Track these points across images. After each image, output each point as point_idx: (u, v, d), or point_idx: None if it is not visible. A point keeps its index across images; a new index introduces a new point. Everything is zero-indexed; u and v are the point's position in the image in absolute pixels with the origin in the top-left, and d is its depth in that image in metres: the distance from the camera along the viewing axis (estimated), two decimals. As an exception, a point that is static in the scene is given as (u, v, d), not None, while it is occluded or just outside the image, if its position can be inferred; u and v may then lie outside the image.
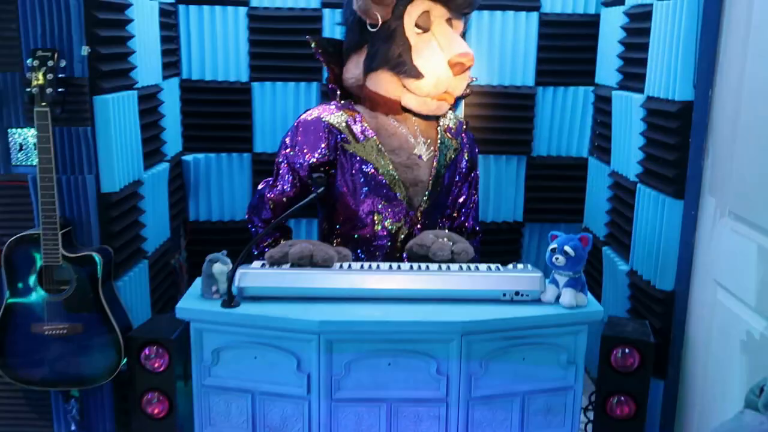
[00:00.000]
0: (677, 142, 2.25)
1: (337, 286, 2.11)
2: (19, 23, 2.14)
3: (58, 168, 2.19)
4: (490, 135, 3.10)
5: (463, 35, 2.65)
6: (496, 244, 3.21)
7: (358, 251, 2.56)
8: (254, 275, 2.12)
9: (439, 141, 2.62)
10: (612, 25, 2.83)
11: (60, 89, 2.11)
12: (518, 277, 2.13)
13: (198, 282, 2.19)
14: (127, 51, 2.45)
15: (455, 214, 2.75)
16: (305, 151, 2.50)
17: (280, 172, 2.56)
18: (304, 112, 2.60)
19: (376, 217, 2.53)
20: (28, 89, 2.07)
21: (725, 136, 2.10)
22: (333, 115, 2.53)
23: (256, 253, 2.53)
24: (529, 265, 2.23)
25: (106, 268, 2.20)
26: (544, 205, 3.25)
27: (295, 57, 3.02)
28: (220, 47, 3.04)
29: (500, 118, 3.13)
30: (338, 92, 2.63)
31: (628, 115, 2.61)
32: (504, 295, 2.10)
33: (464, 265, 2.23)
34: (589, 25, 3.05)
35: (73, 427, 2.35)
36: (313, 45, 2.60)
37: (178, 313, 2.08)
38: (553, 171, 3.21)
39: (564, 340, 2.08)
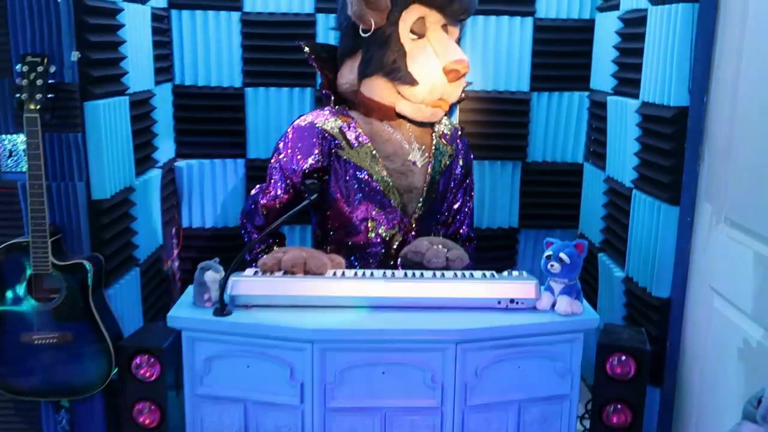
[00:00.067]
0: (672, 148, 2.24)
1: (331, 293, 2.09)
2: (8, 28, 2.11)
3: (47, 174, 2.15)
4: (484, 141, 3.09)
5: (459, 41, 2.64)
6: (492, 251, 3.19)
7: (352, 258, 2.54)
8: (246, 283, 2.10)
9: (433, 147, 2.60)
10: (607, 31, 2.83)
11: (50, 95, 2.08)
12: (513, 284, 2.11)
13: (190, 290, 2.17)
14: (118, 56, 2.43)
15: (450, 221, 2.74)
16: (299, 157, 2.48)
17: (274, 178, 2.54)
18: (298, 118, 2.59)
19: (370, 224, 2.51)
20: (18, 95, 2.04)
21: (721, 142, 2.09)
22: (327, 121, 2.52)
23: (249, 259, 2.51)
24: (524, 272, 2.22)
25: (97, 276, 2.17)
26: (539, 211, 3.23)
27: (289, 62, 3.00)
28: (213, 52, 3.02)
29: (495, 123, 3.11)
30: (332, 98, 2.62)
31: (623, 121, 2.60)
32: (499, 302, 2.08)
33: (459, 273, 2.22)
34: (584, 30, 3.04)
35: (63, 438, 2.33)
36: (306, 50, 2.59)
37: (170, 321, 2.06)
38: (548, 177, 3.19)
39: (559, 348, 2.06)
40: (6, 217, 2.24)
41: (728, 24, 2.07)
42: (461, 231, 2.75)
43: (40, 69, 2.05)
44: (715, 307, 2.09)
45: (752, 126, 1.92)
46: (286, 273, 2.16)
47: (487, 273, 2.20)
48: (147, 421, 2.14)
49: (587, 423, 2.30)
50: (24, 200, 2.15)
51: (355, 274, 2.19)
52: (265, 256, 2.22)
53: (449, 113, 2.77)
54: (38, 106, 2.04)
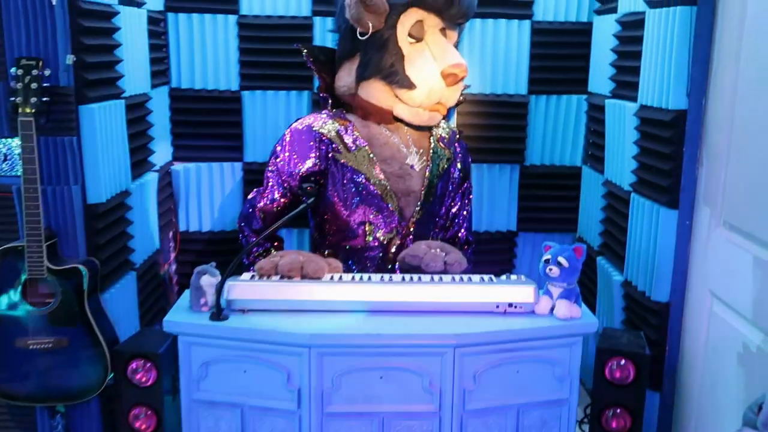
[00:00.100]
0: (671, 152, 2.23)
1: (328, 298, 2.08)
2: (3, 31, 2.10)
3: (42, 179, 2.14)
4: (482, 144, 3.07)
5: (457, 45, 2.63)
6: (490, 254, 3.18)
7: (350, 262, 2.53)
8: (243, 287, 2.09)
9: (431, 151, 2.59)
10: (604, 34, 2.82)
11: (45, 98, 2.07)
12: (512, 288, 2.10)
13: (187, 294, 2.16)
14: (114, 59, 2.41)
15: (448, 225, 2.73)
16: (296, 160, 2.47)
17: (271, 181, 2.53)
18: (295, 121, 2.57)
19: (367, 228, 2.50)
20: (12, 98, 2.03)
21: (719, 145, 2.08)
22: (324, 124, 2.51)
23: (246, 263, 2.50)
24: (522, 276, 2.21)
25: (92, 281, 2.16)
26: (537, 214, 3.22)
27: (286, 65, 2.99)
28: (209, 55, 3.00)
29: (493, 126, 3.10)
30: (329, 101, 2.61)
31: (622, 124, 2.59)
32: (497, 307, 2.07)
33: (457, 277, 2.21)
34: (582, 33, 3.03)
35: (58, 443, 2.31)
36: (304, 53, 2.58)
37: (166, 326, 2.04)
38: (546, 180, 3.18)
39: (558, 352, 2.05)
40: (1, 222, 2.23)
41: (726, 27, 2.06)
42: (459, 234, 2.74)
43: (35, 72, 2.04)
44: (714, 311, 2.09)
45: (751, 129, 1.91)
46: (283, 277, 2.14)
47: (486, 277, 2.19)
48: (143, 427, 2.13)
49: (586, 428, 2.29)
50: (19, 204, 2.14)
51: (353, 278, 2.18)
52: (262, 260, 2.21)
53: (447, 117, 2.76)
54: (33, 110, 2.03)
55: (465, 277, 2.20)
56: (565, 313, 2.05)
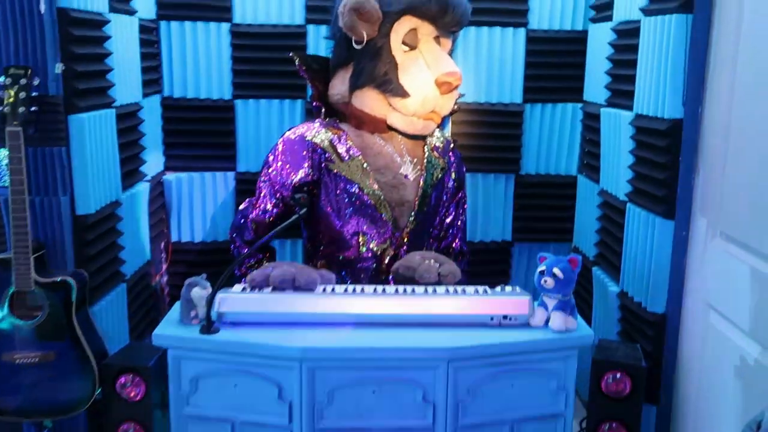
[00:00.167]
0: (667, 161, 2.21)
1: (320, 310, 2.06)
2: (-9, 40, 2.08)
3: (31, 189, 2.11)
4: (477, 153, 3.05)
5: (451, 53, 2.61)
6: (485, 265, 3.15)
7: (343, 273, 2.50)
8: (234, 300, 2.06)
9: (425, 160, 2.57)
10: (600, 41, 2.80)
11: (33, 108, 2.04)
12: (506, 300, 2.08)
13: (177, 307, 2.13)
14: (104, 68, 2.39)
15: (442, 235, 2.70)
16: (288, 170, 2.45)
17: (263, 192, 2.50)
18: (288, 131, 2.55)
19: (360, 239, 2.47)
20: (0, 108, 2.00)
21: (716, 155, 2.06)
22: (317, 133, 2.48)
23: (238, 274, 2.47)
24: (517, 288, 2.18)
25: (81, 294, 2.12)
26: (533, 224, 3.19)
27: (279, 74, 2.96)
28: (202, 64, 2.98)
29: (488, 135, 3.08)
30: (323, 110, 2.58)
31: (617, 133, 2.57)
32: (492, 319, 2.05)
33: (451, 288, 2.18)
34: (577, 41, 3.02)
35: (46, 459, 2.27)
36: (297, 61, 2.55)
37: (155, 339, 2.01)
38: (542, 189, 3.16)
39: (554, 365, 2.03)
40: (-12, 233, 2.20)
41: (722, 35, 2.04)
42: (454, 245, 2.71)
43: (23, 81, 2.02)
44: (711, 323, 2.06)
45: (748, 138, 1.89)
46: (275, 289, 2.12)
47: (480, 288, 2.16)
48: (132, 442, 2.09)
49: (582, 441, 2.26)
50: (6, 215, 2.10)
51: (346, 290, 2.15)
52: (254, 272, 2.18)
53: (442, 126, 2.73)
54: (21, 120, 2.00)
55: (459, 288, 2.17)
56: (561, 325, 2.02)
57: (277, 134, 2.79)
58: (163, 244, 3.07)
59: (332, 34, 2.59)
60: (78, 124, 2.18)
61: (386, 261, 2.49)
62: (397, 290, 2.14)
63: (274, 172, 2.47)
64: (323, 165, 2.44)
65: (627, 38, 2.52)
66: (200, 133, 3.03)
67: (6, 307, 2.07)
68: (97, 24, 2.33)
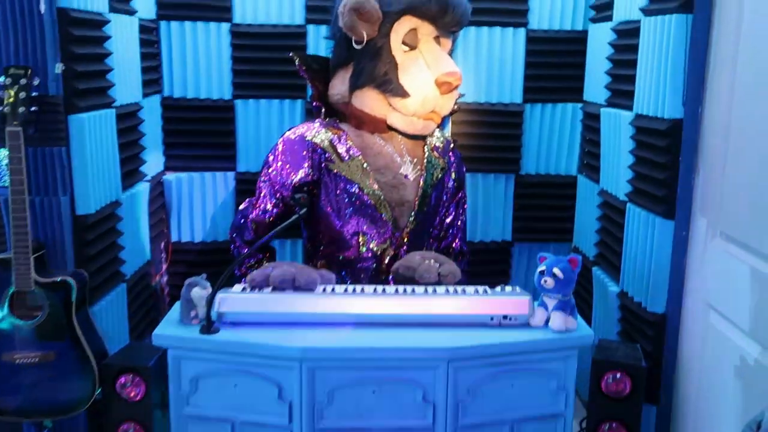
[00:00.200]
0: (667, 161, 2.20)
1: (320, 310, 2.06)
2: (-9, 40, 2.08)
3: (31, 189, 2.11)
4: (477, 153, 3.05)
5: (451, 53, 2.61)
6: (485, 265, 3.15)
7: (343, 273, 2.50)
8: (234, 300, 2.06)
9: (425, 160, 2.57)
10: (600, 41, 2.80)
11: (33, 108, 2.04)
12: (506, 300, 2.08)
13: (177, 307, 2.13)
14: (104, 68, 2.39)
15: (442, 235, 2.70)
16: (288, 170, 2.45)
17: (263, 192, 2.50)
18: (288, 130, 2.55)
19: (360, 239, 2.47)
20: (0, 108, 2.00)
21: (716, 155, 2.06)
22: (317, 133, 2.48)
23: (238, 274, 2.47)
24: (517, 288, 2.18)
25: (81, 294, 2.12)
26: (533, 224, 3.19)
27: (279, 74, 2.96)
28: (202, 64, 2.98)
29: (488, 135, 3.08)
30: (323, 110, 2.58)
31: (617, 133, 2.57)
32: (492, 319, 2.05)
33: (451, 288, 2.18)
34: (577, 41, 3.01)
35: (46, 459, 2.27)
36: (297, 61, 2.55)
37: (155, 339, 2.01)
38: (542, 189, 3.16)
39: (554, 365, 2.03)
40: (-12, 233, 2.19)
41: (722, 35, 2.04)
42: (454, 245, 2.71)
43: (23, 81, 2.02)
44: (711, 323, 2.06)
45: (748, 138, 1.89)
46: (275, 289, 2.11)
47: (480, 288, 2.16)
48: (132, 442, 2.09)
49: (582, 441, 2.26)
50: (6, 215, 2.10)
51: (345, 290, 2.15)
52: (254, 272, 2.18)
53: (442, 126, 2.73)
54: (21, 120, 2.00)
55: (459, 288, 2.17)
56: (561, 325, 2.02)
57: (277, 134, 2.79)
58: (163, 244, 3.07)
59: (332, 34, 2.58)
60: (78, 124, 2.18)
61: (386, 261, 2.49)
62: (397, 290, 2.14)
63: (274, 172, 2.47)
64: (323, 165, 2.44)
65: (627, 38, 2.52)
66: (200, 133, 3.03)
67: (6, 307, 2.07)
68: (97, 24, 2.33)
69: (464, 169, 2.80)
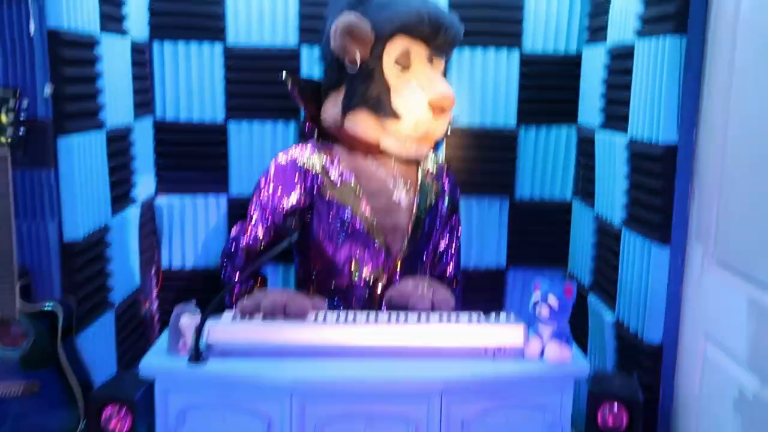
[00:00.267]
0: (662, 186, 2.18)
1: (311, 340, 2.01)
2: (-21, 61, 2.05)
3: (17, 214, 2.07)
4: (471, 177, 3.01)
5: (444, 73, 2.58)
6: (479, 291, 3.10)
7: (335, 299, 2.46)
8: (224, 329, 2.02)
9: (419, 184, 2.54)
10: (594, 63, 2.78)
11: (21, 130, 2.00)
12: (500, 329, 2.04)
13: (166, 335, 2.08)
14: (94, 90, 2.35)
15: (436, 261, 2.67)
16: (280, 196, 2.42)
17: (254, 217, 2.47)
18: (281, 152, 2.52)
19: (353, 266, 2.44)
20: (-14, 131, 1.96)
21: (711, 180, 2.04)
22: (309, 157, 2.45)
23: (229, 303, 2.42)
24: (512, 315, 2.14)
25: (67, 322, 2.07)
26: (527, 249, 3.15)
27: (273, 96, 2.93)
28: (195, 85, 2.95)
29: (481, 159, 3.05)
30: (316, 131, 2.55)
31: (612, 158, 2.55)
32: (486, 352, 2.01)
33: (444, 315, 2.14)
34: (571, 63, 2.99)
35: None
36: (288, 83, 2.53)
37: (142, 370, 1.97)
38: (536, 214, 3.12)
39: (549, 398, 1.99)
40: (-27, 259, 2.15)
41: (717, 58, 2.02)
42: (448, 271, 2.67)
43: (11, 103, 1.98)
44: (709, 354, 2.03)
45: (744, 163, 1.87)
46: (266, 316, 2.07)
47: (474, 315, 2.12)
48: (117, 476, 2.03)
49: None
50: (-9, 241, 2.06)
51: (337, 318, 2.10)
52: (245, 300, 2.14)
53: (435, 149, 2.71)
54: (8, 143, 1.96)
55: (452, 315, 2.13)
56: (556, 356, 1.99)
57: (270, 156, 2.75)
58: (153, 270, 3.01)
59: (323, 56, 2.56)
60: (67, 146, 2.15)
61: (379, 288, 2.45)
62: (389, 318, 2.10)
63: (265, 198, 2.44)
64: (315, 190, 2.41)
65: (621, 60, 2.50)
66: (193, 156, 2.99)
67: (-10, 335, 2.02)
68: (87, 44, 2.30)
69: (458, 194, 2.77)
